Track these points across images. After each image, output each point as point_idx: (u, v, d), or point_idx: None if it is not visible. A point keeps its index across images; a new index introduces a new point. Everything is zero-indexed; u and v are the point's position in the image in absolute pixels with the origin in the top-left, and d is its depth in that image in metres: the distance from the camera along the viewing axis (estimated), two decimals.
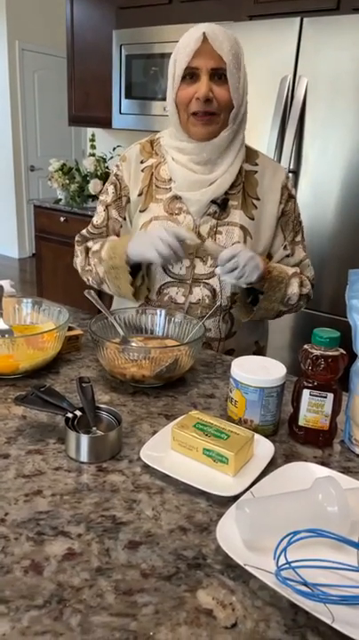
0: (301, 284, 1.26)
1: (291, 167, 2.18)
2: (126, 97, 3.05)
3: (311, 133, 2.14)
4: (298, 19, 2.08)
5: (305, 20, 2.06)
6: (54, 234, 3.49)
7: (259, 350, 1.39)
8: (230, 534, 0.63)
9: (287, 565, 0.57)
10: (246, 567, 0.58)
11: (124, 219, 1.30)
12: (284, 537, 0.59)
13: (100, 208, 1.33)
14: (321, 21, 2.04)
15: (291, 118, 2.14)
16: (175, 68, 1.12)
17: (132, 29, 2.92)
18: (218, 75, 1.10)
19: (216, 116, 1.13)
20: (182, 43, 1.12)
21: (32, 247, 5.97)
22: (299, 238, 1.32)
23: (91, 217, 1.38)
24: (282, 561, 0.58)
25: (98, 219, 1.34)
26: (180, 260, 1.17)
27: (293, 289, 1.24)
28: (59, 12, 4.89)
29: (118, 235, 1.32)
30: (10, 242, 6.15)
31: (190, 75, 1.11)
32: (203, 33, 1.08)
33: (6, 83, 5.54)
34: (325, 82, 2.07)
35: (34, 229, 3.66)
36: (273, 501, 0.65)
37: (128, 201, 1.28)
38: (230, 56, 1.09)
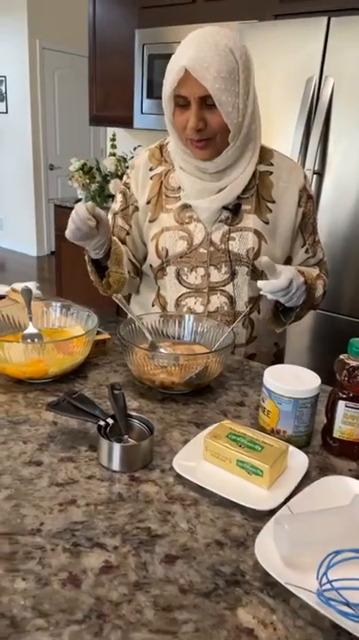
0: (324, 285, 1.26)
1: (316, 169, 2.15)
2: (148, 97, 3.04)
3: (336, 134, 2.11)
4: (325, 18, 2.05)
5: (332, 19, 2.03)
6: None
7: (279, 352, 1.38)
8: (268, 550, 0.62)
9: (329, 586, 0.56)
10: (287, 586, 0.57)
11: (131, 227, 1.27)
12: (327, 556, 0.58)
13: (109, 216, 1.31)
14: (348, 21, 2.01)
15: (317, 119, 2.11)
16: (165, 92, 1.07)
17: (155, 29, 2.91)
18: (208, 101, 1.03)
19: (211, 141, 1.08)
20: (169, 66, 1.05)
21: (50, 245, 6.01)
22: (317, 237, 1.30)
23: None
24: (324, 580, 0.57)
25: None
26: (85, 233, 1.07)
27: (319, 292, 1.23)
28: (79, 11, 4.89)
29: (125, 243, 1.28)
30: (29, 240, 6.20)
31: (181, 101, 1.05)
32: (183, 67, 1.00)
33: (27, 81, 5.57)
34: (352, 82, 2.03)
35: (54, 228, 3.68)
36: (312, 518, 0.64)
37: (136, 209, 1.25)
38: (217, 83, 1.00)
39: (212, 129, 1.06)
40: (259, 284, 1.08)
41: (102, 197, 3.35)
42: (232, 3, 2.62)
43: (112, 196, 3.33)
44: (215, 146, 1.09)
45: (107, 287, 1.22)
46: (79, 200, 3.48)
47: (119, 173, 3.30)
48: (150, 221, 1.24)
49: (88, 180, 3.39)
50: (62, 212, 3.58)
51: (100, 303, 1.66)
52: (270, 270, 1.06)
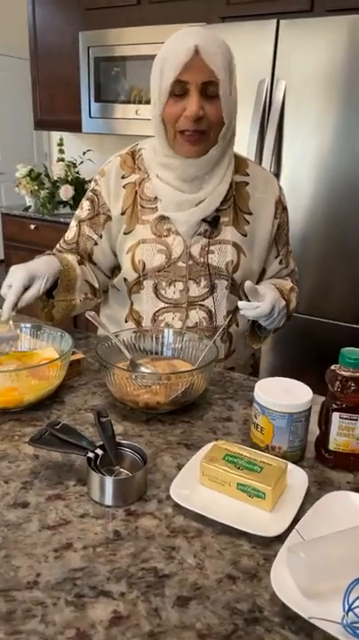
0: (297, 296, 1.26)
1: (272, 171, 2.16)
2: (96, 100, 2.97)
3: (290, 137, 2.13)
4: (274, 21, 2.06)
5: (281, 22, 2.05)
6: (24, 242, 3.37)
7: (256, 362, 1.36)
8: (284, 582, 0.60)
9: (356, 616, 0.54)
10: (311, 620, 0.55)
11: (101, 237, 1.21)
12: (351, 585, 0.56)
13: (73, 223, 1.25)
14: (297, 23, 2.03)
15: (271, 121, 2.12)
16: (161, 80, 1.02)
17: (100, 31, 2.84)
18: (208, 90, 1.01)
19: (205, 135, 1.05)
20: (169, 52, 1.01)
21: None
22: (290, 248, 1.30)
23: (64, 224, 1.32)
24: (347, 608, 0.55)
25: (69, 234, 1.26)
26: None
27: (293, 304, 1.22)
28: (18, 13, 4.74)
29: (90, 254, 1.23)
30: None
31: (179, 89, 1.01)
32: (195, 45, 0.98)
33: None
34: (303, 84, 2.05)
35: (2, 237, 3.54)
36: (326, 543, 0.62)
37: (108, 218, 1.19)
38: (223, 70, 1.00)
39: (209, 120, 1.03)
40: (241, 305, 1.07)
41: (53, 204, 3.24)
42: (177, 5, 2.60)
43: (63, 203, 3.23)
44: (206, 142, 1.06)
45: (50, 318, 1.17)
46: (28, 208, 3.35)
47: (69, 179, 3.21)
48: (125, 233, 1.18)
49: (36, 187, 3.28)
50: (10, 220, 3.44)
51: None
52: (253, 294, 1.06)
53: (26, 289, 1.06)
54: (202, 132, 1.05)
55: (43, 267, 1.09)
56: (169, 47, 1.02)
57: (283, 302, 1.10)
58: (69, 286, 1.15)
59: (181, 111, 1.02)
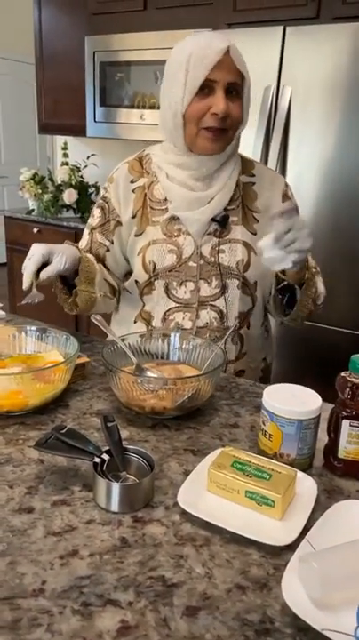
0: (322, 282, 1.19)
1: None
2: (100, 105, 2.98)
3: (295, 143, 2.13)
4: (280, 27, 2.06)
5: (288, 28, 2.05)
6: (27, 245, 3.33)
7: (267, 367, 1.35)
8: (296, 592, 0.58)
9: None
10: (324, 632, 0.53)
11: (112, 242, 1.22)
12: None
13: (86, 232, 1.27)
14: (303, 30, 2.03)
15: (276, 128, 2.12)
16: (187, 78, 1.04)
17: (106, 36, 2.85)
18: (231, 90, 1.06)
19: (226, 132, 1.09)
20: (197, 53, 1.03)
21: (2, 257, 5.77)
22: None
23: (67, 228, 1.33)
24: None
25: (82, 242, 1.27)
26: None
27: (321, 286, 1.17)
28: (22, 18, 4.76)
29: (103, 260, 1.24)
30: None
31: (204, 87, 1.05)
32: (228, 47, 1.03)
33: None
34: (308, 91, 2.06)
35: (5, 241, 3.53)
36: (339, 553, 0.61)
37: (118, 224, 1.21)
38: (247, 72, 1.07)
39: (233, 118, 1.08)
40: (260, 244, 0.96)
41: (56, 208, 3.24)
42: (184, 11, 2.61)
43: (67, 207, 3.23)
44: (226, 139, 1.11)
45: (74, 306, 1.16)
46: (31, 211, 3.35)
47: (73, 183, 3.21)
48: (136, 235, 1.19)
49: (40, 190, 3.28)
50: (13, 224, 3.44)
51: (57, 320, 1.58)
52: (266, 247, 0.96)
53: (44, 266, 1.07)
54: (223, 130, 1.08)
55: (62, 247, 1.11)
56: (195, 47, 1.04)
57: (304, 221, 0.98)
58: (89, 278, 1.15)
59: (207, 108, 1.06)
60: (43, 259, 1.07)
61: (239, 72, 1.05)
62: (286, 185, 1.25)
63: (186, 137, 1.10)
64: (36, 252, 1.07)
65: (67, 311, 1.19)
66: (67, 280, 1.15)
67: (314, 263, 1.20)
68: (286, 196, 1.23)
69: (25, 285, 1.07)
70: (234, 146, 1.15)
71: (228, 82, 1.05)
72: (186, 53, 1.05)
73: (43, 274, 1.06)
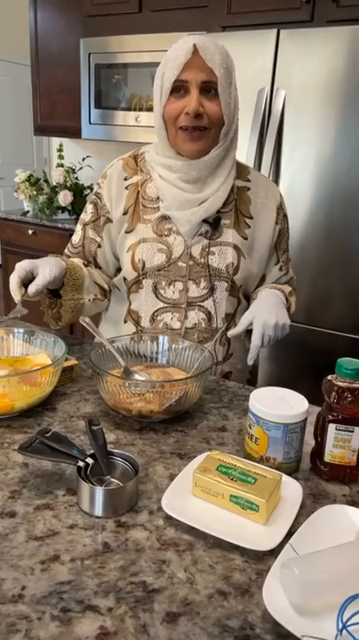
0: (295, 301, 1.27)
1: (271, 180, 2.16)
2: (96, 107, 2.98)
3: (289, 146, 2.13)
4: (274, 30, 2.06)
5: (282, 31, 2.05)
6: (22, 247, 3.36)
7: (254, 369, 1.35)
8: (277, 598, 0.58)
9: (351, 637, 0.52)
10: (304, 639, 0.53)
11: (102, 239, 1.22)
12: (345, 603, 0.54)
13: (79, 227, 1.27)
14: (297, 33, 2.03)
15: (270, 131, 2.12)
16: (163, 80, 1.06)
17: (101, 38, 2.85)
18: (208, 89, 1.05)
19: (206, 132, 1.08)
20: (171, 55, 1.05)
21: None
22: (289, 255, 1.31)
23: (62, 229, 1.33)
24: (341, 626, 0.53)
25: (75, 237, 1.27)
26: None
27: (293, 308, 1.23)
28: (19, 19, 4.77)
29: (94, 256, 1.24)
30: None
31: (179, 88, 1.05)
32: (194, 44, 1.02)
33: None
34: (302, 94, 2.06)
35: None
36: (321, 559, 0.60)
37: (108, 221, 1.21)
38: (222, 70, 1.04)
39: (209, 118, 1.06)
40: (231, 334, 1.13)
41: (51, 209, 3.23)
42: (179, 13, 2.61)
43: (62, 208, 3.23)
44: (207, 140, 1.09)
45: (58, 319, 1.16)
46: (26, 212, 3.34)
47: (68, 185, 3.20)
48: (126, 232, 1.19)
49: (35, 192, 3.27)
50: (8, 225, 3.43)
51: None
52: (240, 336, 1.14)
53: (30, 281, 1.06)
54: (202, 129, 1.07)
55: (45, 259, 1.10)
56: (170, 52, 1.06)
57: (273, 321, 1.08)
58: (77, 285, 1.15)
59: (182, 108, 1.06)
60: (27, 273, 1.05)
61: (211, 70, 1.03)
62: (281, 196, 1.25)
63: (169, 138, 1.11)
64: (19, 267, 1.06)
65: (52, 327, 1.19)
66: (56, 293, 1.14)
67: (288, 290, 1.24)
68: (281, 208, 1.23)
69: (16, 298, 1.06)
70: (224, 149, 1.12)
71: (201, 80, 1.04)
72: (164, 58, 1.06)
73: (31, 287, 1.04)
